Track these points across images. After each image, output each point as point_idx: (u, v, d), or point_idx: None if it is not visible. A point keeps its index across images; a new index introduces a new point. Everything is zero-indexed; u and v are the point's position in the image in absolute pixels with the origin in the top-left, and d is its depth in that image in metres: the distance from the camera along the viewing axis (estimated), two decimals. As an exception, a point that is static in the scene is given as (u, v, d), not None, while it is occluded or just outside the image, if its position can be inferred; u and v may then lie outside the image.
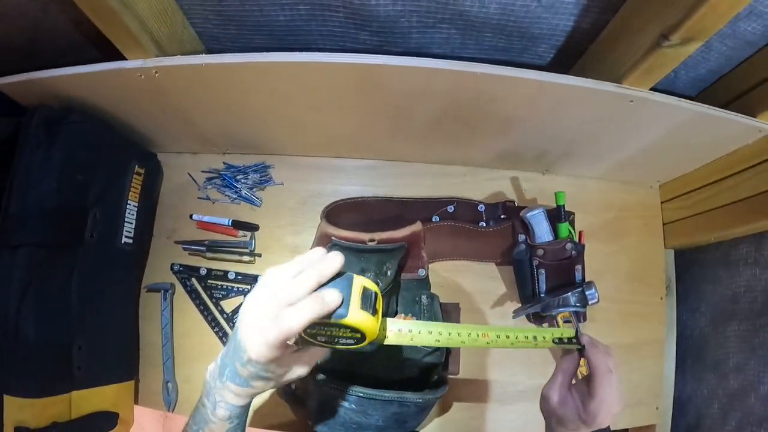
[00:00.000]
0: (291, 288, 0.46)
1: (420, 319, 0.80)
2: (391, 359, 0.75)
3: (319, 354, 0.55)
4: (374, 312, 0.49)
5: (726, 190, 0.79)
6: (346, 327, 0.47)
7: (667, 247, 0.90)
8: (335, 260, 0.49)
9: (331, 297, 0.47)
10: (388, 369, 0.76)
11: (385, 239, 0.81)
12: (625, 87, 0.67)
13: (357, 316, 0.47)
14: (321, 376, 0.74)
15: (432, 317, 0.78)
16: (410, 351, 0.75)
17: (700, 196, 0.83)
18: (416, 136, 0.81)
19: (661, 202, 0.91)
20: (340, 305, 0.47)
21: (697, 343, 0.86)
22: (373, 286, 0.51)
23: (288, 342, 0.48)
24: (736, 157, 0.77)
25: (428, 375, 0.76)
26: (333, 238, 0.81)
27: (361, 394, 0.72)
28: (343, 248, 0.81)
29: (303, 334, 0.49)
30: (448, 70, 0.65)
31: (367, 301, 0.48)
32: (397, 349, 0.75)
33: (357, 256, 0.81)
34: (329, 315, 0.46)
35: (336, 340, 0.49)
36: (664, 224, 0.90)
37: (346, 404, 0.74)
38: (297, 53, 0.66)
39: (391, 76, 0.67)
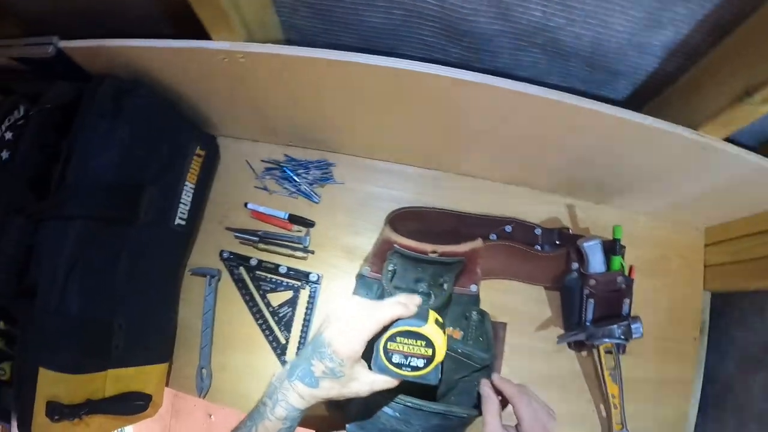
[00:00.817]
0: (376, 302, 0.59)
1: (468, 335, 0.81)
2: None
3: (381, 382, 0.60)
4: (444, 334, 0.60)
5: (772, 242, 0.82)
6: (422, 337, 0.58)
7: (706, 289, 0.92)
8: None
9: (412, 300, 0.59)
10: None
11: (446, 252, 0.81)
12: (700, 134, 0.69)
13: (433, 329, 0.59)
14: None
15: (482, 335, 0.79)
16: (459, 365, 0.75)
17: (745, 245, 0.86)
18: (487, 154, 0.82)
19: (705, 245, 0.93)
20: (420, 319, 0.59)
21: (722, 387, 0.89)
22: (440, 318, 0.63)
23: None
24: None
25: (472, 390, 0.77)
26: (395, 245, 0.81)
27: (410, 404, 0.73)
28: (403, 256, 0.81)
29: (381, 348, 0.58)
30: (540, 97, 0.66)
31: (440, 326, 0.61)
32: (445, 361, 0.76)
33: (414, 266, 0.81)
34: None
35: (408, 360, 0.59)
36: (705, 266, 0.93)
37: (389, 411, 0.75)
38: (395, 59, 0.65)
39: (480, 95, 0.67)
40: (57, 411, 0.67)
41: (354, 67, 0.66)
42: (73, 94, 0.77)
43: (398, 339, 0.58)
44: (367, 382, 0.59)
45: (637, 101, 0.80)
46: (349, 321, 0.57)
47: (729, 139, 0.72)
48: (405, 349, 0.59)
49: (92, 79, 0.75)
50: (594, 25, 0.67)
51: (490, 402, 0.64)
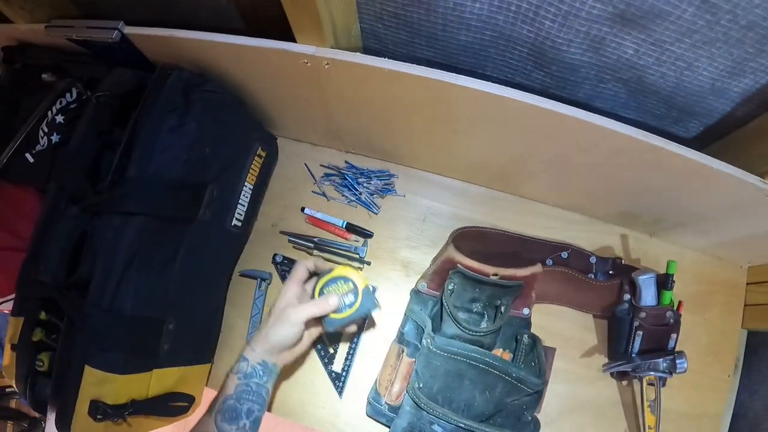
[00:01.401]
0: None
1: (517, 357, 0.81)
2: (491, 393, 0.76)
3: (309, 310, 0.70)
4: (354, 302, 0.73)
5: (814, 288, 0.84)
6: (341, 279, 0.73)
7: (744, 327, 0.94)
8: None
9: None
10: (486, 402, 0.77)
11: (507, 276, 0.81)
12: (766, 182, 0.70)
13: (341, 269, 0.73)
14: (422, 397, 0.74)
15: (534, 359, 0.79)
16: (512, 389, 0.76)
17: (787, 288, 0.88)
18: (554, 181, 0.82)
19: (747, 283, 0.95)
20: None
21: (750, 425, 0.91)
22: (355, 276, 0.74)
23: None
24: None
25: (521, 413, 0.78)
26: (458, 265, 0.80)
27: (462, 425, 0.73)
28: (465, 277, 0.80)
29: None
30: (621, 134, 0.65)
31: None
32: (497, 384, 0.76)
33: (473, 286, 0.81)
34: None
35: (342, 301, 0.72)
36: (745, 305, 0.95)
37: (439, 429, 0.75)
38: (483, 82, 0.64)
39: (562, 125, 0.66)
40: (100, 410, 0.66)
41: (438, 85, 0.65)
42: (135, 83, 0.74)
43: (325, 291, 0.73)
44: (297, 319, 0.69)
45: (704, 141, 0.81)
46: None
47: None
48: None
49: (156, 69, 0.72)
50: (682, 68, 0.67)
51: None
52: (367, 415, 0.81)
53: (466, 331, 0.77)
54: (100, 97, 0.74)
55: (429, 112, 0.71)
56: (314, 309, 0.69)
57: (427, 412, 0.74)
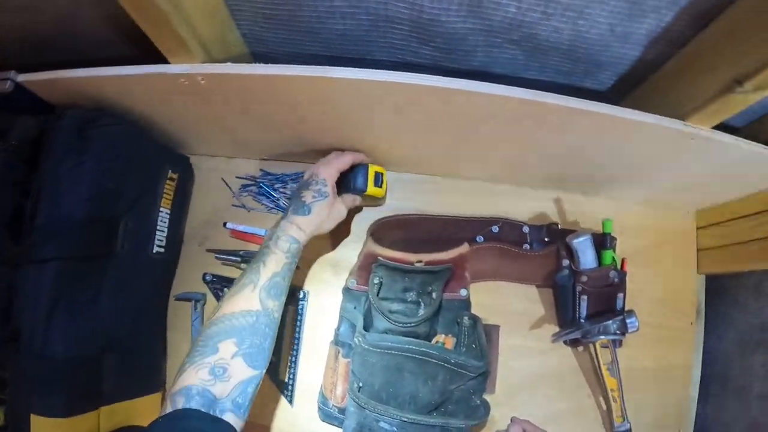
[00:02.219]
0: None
1: (461, 341, 0.79)
2: (433, 383, 0.75)
3: (349, 202, 0.80)
4: (382, 184, 0.82)
5: (765, 224, 0.80)
6: (367, 196, 0.82)
7: (700, 272, 0.91)
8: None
9: (358, 156, 0.79)
10: (430, 392, 0.75)
11: (431, 261, 0.79)
12: (688, 125, 0.66)
13: (371, 190, 0.80)
14: (361, 396, 0.73)
15: (475, 342, 0.77)
16: (454, 376, 0.74)
17: (738, 227, 0.84)
18: (470, 154, 0.79)
19: (697, 228, 0.91)
20: (363, 185, 0.80)
21: (722, 370, 0.89)
22: (380, 169, 0.83)
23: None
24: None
25: (469, 398, 0.76)
26: (379, 258, 0.79)
27: (405, 419, 0.72)
28: (389, 268, 0.79)
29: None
30: (519, 99, 0.62)
31: (378, 180, 0.81)
32: (438, 372, 0.75)
33: (402, 276, 0.79)
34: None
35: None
36: (698, 250, 0.91)
37: (386, 426, 0.74)
38: (359, 70, 0.62)
39: (461, 100, 0.63)
40: None
41: (322, 82, 0.63)
42: (39, 128, 0.74)
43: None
44: (346, 201, 0.78)
45: (621, 91, 0.77)
46: (327, 161, 0.76)
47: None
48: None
49: (55, 111, 0.71)
50: (573, 17, 0.64)
51: None
52: (321, 420, 0.81)
53: (397, 323, 0.76)
54: (8, 148, 0.74)
55: (317, 108, 0.69)
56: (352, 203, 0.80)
57: (370, 411, 0.74)
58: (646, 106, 0.66)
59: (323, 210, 0.72)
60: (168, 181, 0.80)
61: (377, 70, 0.61)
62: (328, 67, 0.62)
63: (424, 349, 0.74)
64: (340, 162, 0.76)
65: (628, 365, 0.85)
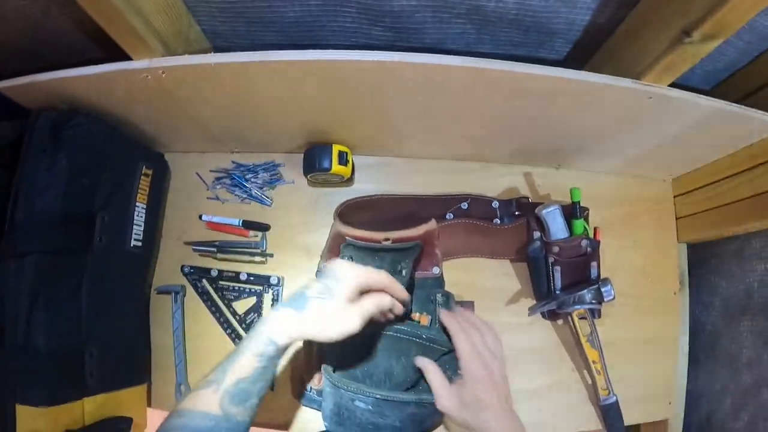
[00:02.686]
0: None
1: (435, 318, 0.79)
2: (407, 359, 0.75)
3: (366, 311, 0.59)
4: (347, 163, 0.83)
5: (741, 185, 0.78)
6: (333, 174, 0.82)
7: (680, 241, 0.89)
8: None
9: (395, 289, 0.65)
10: (404, 369, 0.75)
11: (399, 238, 0.80)
12: (644, 83, 0.66)
13: (336, 168, 0.81)
14: (335, 375, 0.73)
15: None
16: (426, 351, 0.74)
17: (715, 191, 0.83)
18: (431, 132, 0.80)
19: (674, 196, 0.90)
20: (328, 163, 0.81)
21: (710, 338, 0.87)
22: (344, 148, 0.83)
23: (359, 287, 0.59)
24: (752, 152, 0.76)
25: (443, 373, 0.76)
26: (347, 237, 0.80)
27: (379, 396, 0.72)
28: (357, 248, 0.79)
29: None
30: (463, 67, 0.63)
31: (342, 158, 0.82)
32: (410, 348, 0.75)
33: (371, 256, 0.80)
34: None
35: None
36: (677, 218, 0.89)
37: (362, 405, 0.74)
38: (305, 51, 0.64)
39: (403, 74, 0.65)
40: None
41: (274, 66, 0.65)
42: (16, 133, 0.77)
43: (318, 177, 0.84)
44: (364, 308, 0.58)
45: (579, 58, 0.77)
46: (352, 268, 0.61)
47: (680, 85, 0.70)
48: (325, 180, 0.85)
49: (30, 115, 0.75)
50: (513, -16, 0.65)
51: (430, 368, 0.65)
52: (303, 405, 0.81)
53: None
54: (-14, 154, 0.78)
55: (270, 93, 0.71)
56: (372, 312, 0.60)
57: (345, 390, 0.74)
58: (604, 71, 0.67)
59: (323, 313, 0.57)
60: (143, 177, 0.83)
61: (318, 50, 0.63)
62: (269, 51, 0.64)
63: (396, 326, 0.74)
64: (370, 276, 0.60)
65: (613, 338, 0.84)
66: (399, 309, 0.67)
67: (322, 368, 0.76)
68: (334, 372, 0.74)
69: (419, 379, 0.75)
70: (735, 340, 0.81)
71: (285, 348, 0.57)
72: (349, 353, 0.75)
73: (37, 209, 0.71)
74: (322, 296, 0.57)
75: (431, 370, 0.63)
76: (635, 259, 0.88)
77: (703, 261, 0.89)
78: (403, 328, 0.74)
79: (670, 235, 0.89)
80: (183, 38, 0.73)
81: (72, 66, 0.71)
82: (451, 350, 0.75)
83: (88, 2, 0.62)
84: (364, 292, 0.60)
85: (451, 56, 0.63)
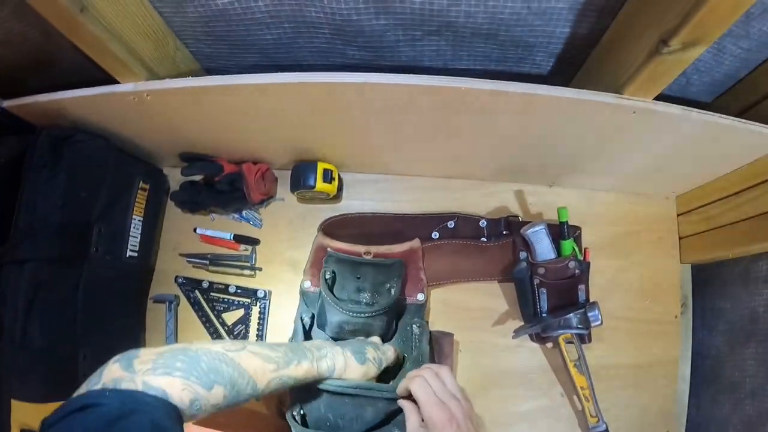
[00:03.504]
0: None
1: (410, 353, 0.77)
2: (374, 408, 0.71)
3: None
4: (332, 180, 0.84)
5: (747, 203, 0.73)
6: (318, 192, 0.83)
7: (684, 261, 0.84)
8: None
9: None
10: (374, 413, 0.72)
11: (381, 254, 0.79)
12: (625, 98, 0.63)
13: (321, 186, 0.82)
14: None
15: (421, 356, 0.76)
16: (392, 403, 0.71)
17: (720, 209, 0.77)
18: (414, 150, 0.80)
19: (678, 215, 0.84)
20: (313, 181, 0.82)
21: (713, 364, 0.80)
22: (330, 166, 0.85)
23: None
24: (757, 168, 0.70)
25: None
26: (328, 249, 0.80)
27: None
28: (338, 260, 0.80)
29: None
30: (428, 86, 0.62)
31: (327, 176, 0.83)
32: (378, 402, 0.68)
33: (353, 271, 0.80)
34: None
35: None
36: (680, 238, 0.84)
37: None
38: (275, 74, 0.65)
39: (373, 94, 0.65)
40: None
41: (249, 89, 0.67)
42: (22, 147, 0.83)
43: (305, 194, 0.85)
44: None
45: (564, 72, 0.74)
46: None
47: (677, 98, 0.66)
48: (311, 197, 0.86)
49: (35, 132, 0.81)
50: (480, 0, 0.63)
51: (408, 408, 0.62)
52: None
53: (352, 313, 0.75)
54: (-4, 166, 0.85)
55: (251, 114, 0.73)
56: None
57: None
58: (589, 85, 0.64)
59: (370, 371, 0.68)
60: (139, 191, 0.87)
61: (287, 74, 0.64)
62: (244, 75, 0.65)
63: (359, 389, 0.67)
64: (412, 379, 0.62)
65: (609, 362, 0.81)
66: None
67: (287, 418, 0.71)
68: (301, 423, 0.68)
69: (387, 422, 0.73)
70: (740, 368, 0.75)
71: (338, 375, 0.65)
72: (320, 403, 0.71)
73: (37, 219, 0.76)
74: (375, 363, 0.68)
75: (410, 409, 0.62)
76: (633, 280, 0.83)
77: (708, 282, 0.83)
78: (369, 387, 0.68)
79: (672, 254, 0.84)
80: (169, 61, 0.76)
81: (75, 83, 0.75)
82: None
83: (70, 31, 0.66)
84: None
85: (415, 76, 0.62)
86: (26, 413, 0.73)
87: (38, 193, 0.77)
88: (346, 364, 0.65)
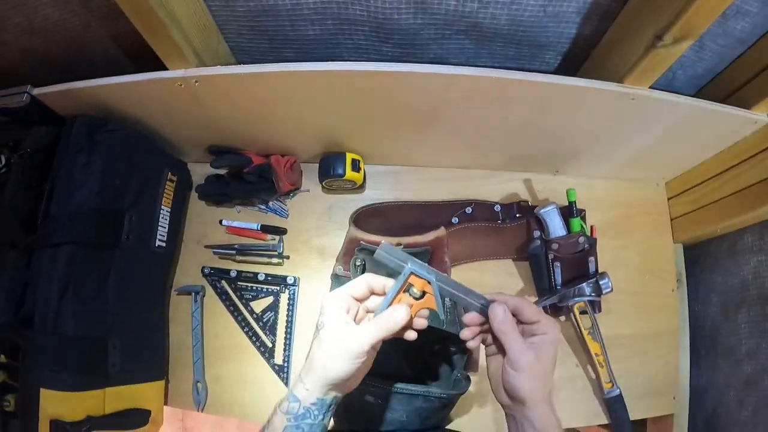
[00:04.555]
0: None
1: (444, 319, 0.82)
2: (416, 357, 0.77)
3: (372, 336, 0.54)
4: (359, 170, 0.90)
5: (728, 182, 0.84)
6: (346, 181, 0.88)
7: (676, 241, 0.94)
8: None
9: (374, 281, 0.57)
10: (412, 366, 0.78)
11: (411, 243, 0.84)
12: (626, 86, 0.73)
13: (350, 174, 0.87)
14: None
15: (457, 317, 0.81)
16: (434, 350, 0.77)
17: (704, 190, 0.88)
18: (437, 141, 0.87)
19: (668, 199, 0.96)
20: (342, 170, 0.87)
21: (709, 333, 0.89)
22: (357, 156, 0.90)
23: None
24: (736, 150, 0.82)
25: (450, 373, 0.79)
26: (361, 242, 0.85)
27: (389, 388, 0.74)
28: (370, 252, 0.84)
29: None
30: (465, 76, 0.71)
31: (355, 166, 0.89)
32: (421, 347, 0.75)
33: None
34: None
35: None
36: (671, 219, 0.95)
37: (371, 399, 0.75)
38: (327, 63, 0.71)
39: (412, 84, 0.72)
40: (60, 428, 0.71)
41: (299, 76, 0.72)
42: (51, 137, 0.84)
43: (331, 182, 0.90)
44: (372, 332, 0.54)
45: (569, 69, 0.85)
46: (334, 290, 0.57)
47: (665, 91, 0.76)
48: (338, 186, 0.91)
49: (66, 122, 0.82)
50: (506, 4, 0.72)
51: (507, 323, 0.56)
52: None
53: None
54: (23, 155, 0.84)
55: (292, 103, 0.79)
56: (378, 332, 0.53)
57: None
58: (593, 77, 0.74)
59: (321, 346, 0.53)
60: (168, 182, 0.90)
61: (338, 62, 0.71)
62: (294, 62, 0.72)
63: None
64: (349, 290, 0.56)
65: (614, 333, 0.87)
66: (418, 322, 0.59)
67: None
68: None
69: (428, 377, 0.78)
70: (734, 333, 0.84)
71: (314, 401, 0.54)
72: None
73: (73, 203, 0.77)
74: (315, 336, 0.55)
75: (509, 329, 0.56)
76: (632, 258, 0.92)
77: (698, 259, 0.93)
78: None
79: (665, 235, 0.94)
80: (213, 52, 0.81)
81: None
82: (457, 351, 0.78)
83: (135, 15, 0.70)
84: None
85: (451, 66, 0.71)
86: (56, 403, 0.72)
87: (74, 179, 0.77)
88: (301, 377, 0.55)
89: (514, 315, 0.57)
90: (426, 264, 0.57)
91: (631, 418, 0.83)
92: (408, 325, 0.56)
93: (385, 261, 0.57)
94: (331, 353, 0.53)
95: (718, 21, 0.73)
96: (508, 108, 0.78)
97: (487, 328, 0.59)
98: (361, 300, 0.57)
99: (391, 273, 0.57)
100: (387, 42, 0.81)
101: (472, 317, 0.60)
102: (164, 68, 0.77)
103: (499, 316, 0.56)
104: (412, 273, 0.56)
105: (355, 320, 0.56)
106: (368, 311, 0.59)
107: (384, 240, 0.86)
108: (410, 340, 0.58)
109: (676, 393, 0.87)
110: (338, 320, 0.54)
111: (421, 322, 0.58)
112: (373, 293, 0.58)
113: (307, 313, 0.90)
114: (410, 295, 0.56)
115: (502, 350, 0.56)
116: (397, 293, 0.56)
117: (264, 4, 0.75)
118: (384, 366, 0.74)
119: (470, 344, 0.61)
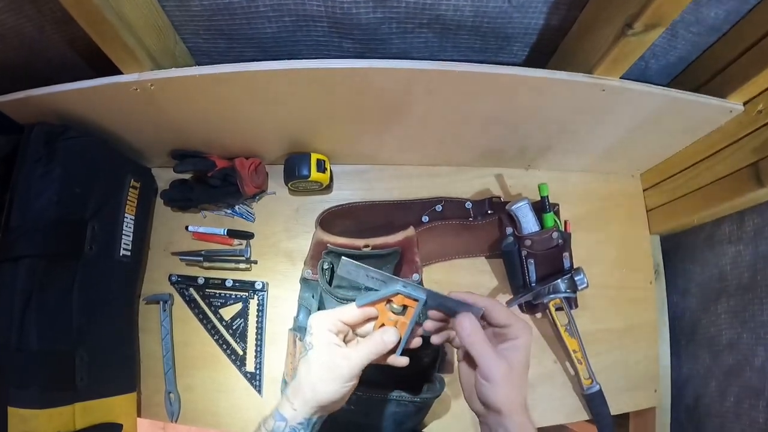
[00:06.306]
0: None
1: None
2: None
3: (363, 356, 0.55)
4: (325, 170, 0.87)
5: (703, 172, 0.82)
6: (312, 182, 0.87)
7: (653, 232, 0.92)
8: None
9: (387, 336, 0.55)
10: (384, 371, 0.75)
11: (379, 245, 0.82)
12: (596, 77, 0.71)
13: (315, 175, 0.85)
14: None
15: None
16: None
17: (680, 181, 0.86)
18: (404, 138, 0.85)
19: (644, 190, 0.94)
20: (307, 171, 0.86)
21: (689, 324, 0.88)
22: (322, 156, 0.88)
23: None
24: (711, 140, 0.80)
25: (424, 377, 0.77)
26: (328, 245, 0.83)
27: (360, 394, 0.72)
28: (337, 254, 0.82)
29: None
30: (426, 70, 0.68)
31: (320, 166, 0.87)
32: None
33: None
34: None
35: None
36: (647, 211, 0.93)
37: (345, 405, 0.74)
38: (282, 62, 0.69)
39: (372, 80, 0.70)
40: None
41: (255, 76, 0.70)
42: (10, 147, 0.82)
43: (298, 184, 0.88)
44: (361, 352, 0.54)
45: (538, 61, 0.83)
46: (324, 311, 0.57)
47: (638, 80, 0.74)
48: (305, 188, 0.89)
49: (24, 129, 0.80)
50: (468, -6, 0.70)
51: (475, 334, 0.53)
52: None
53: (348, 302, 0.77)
54: (-19, 167, 0.82)
55: (251, 104, 0.77)
56: (369, 356, 0.53)
57: None
58: (562, 69, 0.72)
59: (311, 369, 0.53)
60: (131, 189, 0.87)
61: (295, 61, 0.69)
62: (250, 62, 0.69)
63: None
64: (343, 312, 0.56)
65: (592, 328, 0.86)
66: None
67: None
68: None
69: (402, 382, 0.76)
70: (714, 324, 0.83)
71: (301, 421, 0.53)
72: None
73: (32, 214, 0.74)
74: (303, 355, 0.54)
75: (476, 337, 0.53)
76: (609, 251, 0.90)
77: (676, 250, 0.92)
78: None
79: (641, 227, 0.92)
80: (170, 54, 0.79)
81: (64, 83, 0.76)
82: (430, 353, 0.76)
83: (84, 19, 0.67)
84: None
85: (411, 61, 0.69)
86: (25, 421, 0.69)
87: (32, 189, 0.75)
88: (287, 396, 0.55)
89: (484, 318, 0.56)
90: (412, 282, 0.58)
91: (613, 413, 0.82)
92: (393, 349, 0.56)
93: (349, 277, 0.58)
94: (321, 376, 0.52)
95: (691, 8, 0.71)
96: (475, 102, 0.75)
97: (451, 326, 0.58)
98: (352, 326, 0.57)
99: (356, 285, 0.57)
100: (347, 38, 0.79)
101: (433, 312, 0.59)
102: (120, 72, 0.75)
103: (467, 328, 0.53)
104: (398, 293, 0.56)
105: (344, 341, 0.56)
106: (357, 334, 0.59)
107: (352, 241, 0.85)
108: (401, 366, 0.58)
109: (657, 386, 0.86)
110: (328, 342, 0.54)
111: (416, 341, 0.59)
112: (368, 320, 0.58)
113: (276, 318, 0.88)
114: (391, 310, 0.56)
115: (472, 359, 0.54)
116: (377, 302, 0.56)
117: (219, 3, 0.73)
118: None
119: (434, 339, 0.60)
